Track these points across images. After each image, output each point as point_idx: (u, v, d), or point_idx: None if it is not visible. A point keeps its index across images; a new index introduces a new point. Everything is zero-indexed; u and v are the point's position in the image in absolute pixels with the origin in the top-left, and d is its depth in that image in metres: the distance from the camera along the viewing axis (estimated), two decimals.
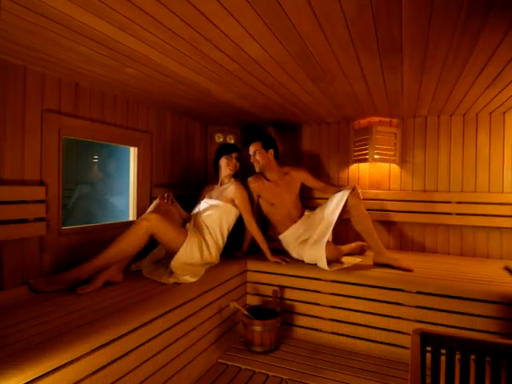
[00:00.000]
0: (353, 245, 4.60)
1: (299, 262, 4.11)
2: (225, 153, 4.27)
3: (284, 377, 3.10)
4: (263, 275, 4.08)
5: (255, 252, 4.42)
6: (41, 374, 1.87)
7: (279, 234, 4.45)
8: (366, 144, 4.84)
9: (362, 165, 5.15)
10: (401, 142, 4.96)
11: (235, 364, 3.30)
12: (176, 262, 3.45)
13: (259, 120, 5.17)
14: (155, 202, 3.80)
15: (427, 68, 2.98)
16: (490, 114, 4.54)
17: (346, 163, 5.24)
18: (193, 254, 3.56)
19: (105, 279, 3.15)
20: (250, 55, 2.75)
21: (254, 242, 4.31)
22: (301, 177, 4.55)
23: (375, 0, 2.00)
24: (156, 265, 3.80)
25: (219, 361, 3.35)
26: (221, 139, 5.50)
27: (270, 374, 3.14)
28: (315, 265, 3.94)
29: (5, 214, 2.85)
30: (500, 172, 4.52)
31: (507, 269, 3.92)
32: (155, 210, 3.60)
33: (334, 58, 2.80)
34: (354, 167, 5.20)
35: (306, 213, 4.49)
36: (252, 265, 4.14)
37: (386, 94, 3.74)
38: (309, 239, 4.08)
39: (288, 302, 3.97)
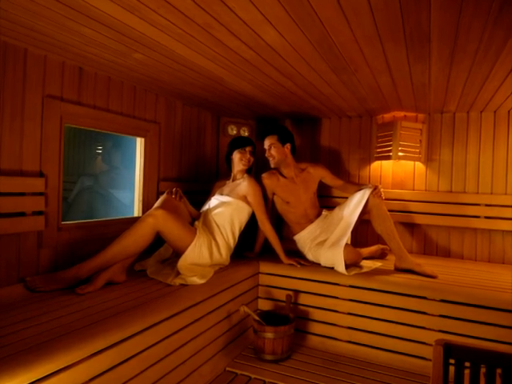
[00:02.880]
0: (373, 248, 4.57)
1: (315, 265, 4.08)
2: (238, 146, 4.23)
3: None
4: (276, 278, 4.05)
5: (268, 253, 4.38)
6: (35, 379, 1.84)
7: (294, 234, 4.42)
8: (390, 140, 4.80)
9: (384, 162, 5.12)
10: (427, 138, 4.92)
11: (244, 373, 3.26)
12: (183, 262, 3.43)
13: (275, 112, 5.15)
14: (162, 198, 3.78)
15: (456, 61, 2.95)
16: None
17: (368, 160, 5.21)
18: (201, 254, 3.55)
19: (106, 279, 3.12)
20: (267, 42, 2.72)
21: (267, 243, 4.28)
22: (319, 174, 4.52)
23: None
24: (162, 265, 3.78)
25: (227, 369, 3.32)
26: (234, 132, 5.49)
27: None
28: (332, 268, 3.90)
29: (1, 207, 2.83)
30: None
31: None
32: (162, 206, 3.57)
33: (357, 48, 2.78)
34: (376, 165, 5.17)
35: (324, 212, 4.46)
36: (264, 267, 4.12)
37: (412, 86, 3.71)
38: (326, 241, 4.05)
39: (302, 307, 3.94)
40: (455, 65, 3.04)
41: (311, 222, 4.38)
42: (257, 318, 3.52)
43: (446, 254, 4.85)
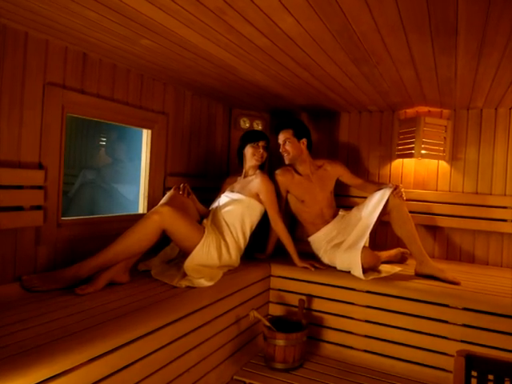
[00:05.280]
0: (392, 251, 4.54)
1: (330, 269, 4.06)
2: (251, 140, 4.21)
3: None
4: (289, 282, 4.04)
5: (280, 255, 4.36)
6: None
7: (309, 235, 4.40)
8: (413, 137, 4.76)
9: (406, 161, 5.09)
10: (452, 136, 4.89)
11: (253, 382, 3.25)
12: (190, 263, 3.42)
13: (291, 105, 5.15)
14: (169, 194, 3.77)
15: (485, 54, 2.93)
16: None
17: (389, 158, 5.19)
18: (210, 255, 3.54)
19: (108, 279, 3.11)
20: (284, 30, 2.70)
21: (279, 244, 4.27)
22: (336, 171, 4.50)
23: None
24: (167, 265, 3.77)
25: (235, 377, 3.31)
26: (247, 125, 5.47)
27: None
28: (349, 272, 3.88)
29: None
30: None
31: None
32: (169, 203, 3.56)
33: (379, 38, 2.76)
34: (397, 163, 5.15)
35: (341, 213, 4.44)
36: (276, 269, 4.10)
37: (436, 80, 3.69)
38: (342, 243, 4.03)
39: (316, 313, 3.92)
40: (483, 58, 3.02)
41: (327, 222, 4.35)
42: (267, 323, 3.50)
43: (470, 259, 4.82)
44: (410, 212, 4.06)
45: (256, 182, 4.05)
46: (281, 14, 2.45)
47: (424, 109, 4.95)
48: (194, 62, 3.51)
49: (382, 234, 5.10)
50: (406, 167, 5.10)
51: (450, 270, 4.05)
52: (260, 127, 5.49)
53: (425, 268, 3.89)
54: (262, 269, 4.02)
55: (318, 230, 4.33)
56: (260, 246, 4.47)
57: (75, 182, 5.65)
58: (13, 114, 2.92)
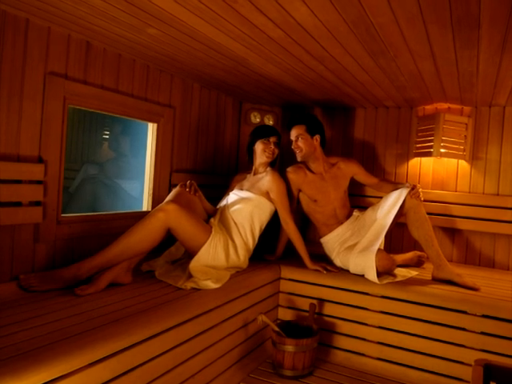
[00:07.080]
0: (409, 254, 4.52)
1: (343, 272, 4.04)
2: (261, 136, 4.18)
3: None
4: (299, 285, 4.02)
5: (291, 257, 4.36)
6: None
7: (321, 236, 4.38)
8: (431, 135, 4.75)
9: (424, 159, 5.08)
10: (472, 134, 4.86)
11: None
12: (196, 264, 3.41)
13: (304, 99, 5.13)
14: (175, 191, 3.75)
15: (508, 48, 2.91)
16: None
17: (406, 156, 5.17)
18: (217, 255, 3.52)
19: (110, 279, 3.09)
20: (298, 21, 2.69)
21: (290, 245, 4.25)
22: (351, 170, 4.47)
23: None
24: (172, 265, 3.76)
25: None
26: (257, 119, 5.47)
27: None
28: (362, 276, 3.86)
29: None
30: None
31: None
32: (174, 200, 3.53)
33: (397, 30, 2.74)
34: (414, 162, 5.13)
35: (355, 213, 4.41)
36: (287, 272, 4.09)
37: (457, 75, 3.67)
38: (356, 245, 3.99)
39: (327, 318, 3.90)
40: (507, 53, 3.00)
41: (340, 223, 4.33)
42: (276, 328, 3.47)
43: (490, 264, 4.79)
44: (428, 213, 4.03)
45: (266, 179, 4.03)
46: (294, 4, 2.44)
47: (444, 105, 4.93)
48: (204, 54, 3.50)
49: (398, 236, 5.09)
50: (424, 166, 5.09)
51: (468, 274, 4.04)
52: (271, 122, 5.48)
53: (442, 272, 3.86)
54: (272, 271, 4.00)
55: (330, 230, 4.31)
56: (270, 247, 4.46)
57: (76, 177, 5.65)
58: (12, 104, 2.91)
